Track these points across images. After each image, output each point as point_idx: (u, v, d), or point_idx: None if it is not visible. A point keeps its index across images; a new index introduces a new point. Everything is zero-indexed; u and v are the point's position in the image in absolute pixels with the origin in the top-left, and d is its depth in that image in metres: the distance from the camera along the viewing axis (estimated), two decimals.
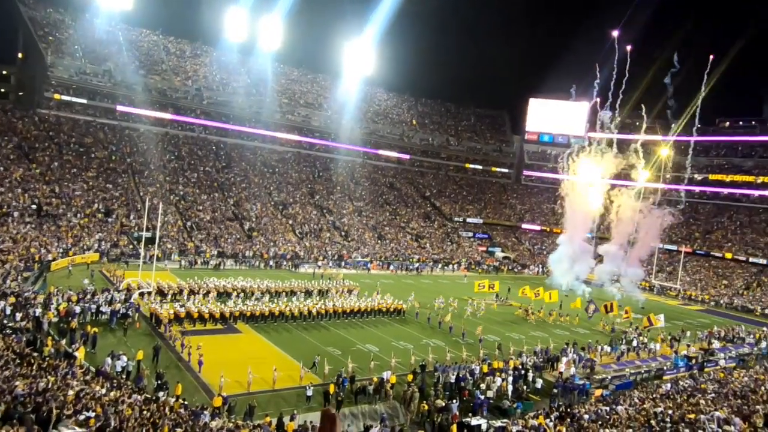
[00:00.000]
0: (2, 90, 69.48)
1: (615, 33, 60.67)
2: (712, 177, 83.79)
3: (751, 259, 69.54)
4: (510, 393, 24.93)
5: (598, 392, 26.10)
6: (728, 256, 71.53)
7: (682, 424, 16.95)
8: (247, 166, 72.41)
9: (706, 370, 32.54)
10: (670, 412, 18.95)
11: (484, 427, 20.15)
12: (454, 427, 19.90)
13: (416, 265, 64.72)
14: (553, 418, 19.45)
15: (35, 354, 18.84)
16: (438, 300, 42.41)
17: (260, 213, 63.99)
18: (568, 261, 61.30)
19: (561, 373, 27.91)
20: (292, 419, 19.00)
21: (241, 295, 36.87)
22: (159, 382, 20.74)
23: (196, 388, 22.35)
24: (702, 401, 20.44)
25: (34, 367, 16.10)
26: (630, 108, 65.48)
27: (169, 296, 34.98)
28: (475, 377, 25.83)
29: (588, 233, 64.72)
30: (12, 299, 26.31)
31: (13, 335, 20.82)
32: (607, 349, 34.16)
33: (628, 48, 60.65)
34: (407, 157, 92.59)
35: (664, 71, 61.53)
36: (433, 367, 26.69)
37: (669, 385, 26.52)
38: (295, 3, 78.73)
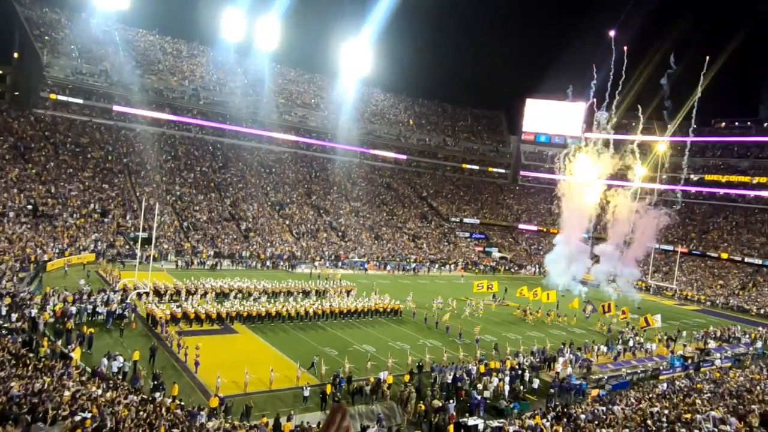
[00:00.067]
0: None
1: (612, 33, 60.94)
2: (708, 177, 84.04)
3: (746, 260, 69.78)
4: (507, 393, 24.98)
5: (594, 392, 26.16)
6: (724, 256, 71.77)
7: (679, 424, 17.00)
8: (243, 167, 72.31)
9: (702, 370, 32.66)
10: (666, 411, 19.01)
11: (481, 427, 20.18)
12: (451, 428, 19.94)
13: (413, 265, 64.72)
14: (549, 418, 19.48)
15: (31, 355, 18.80)
16: (437, 301, 42.41)
17: (257, 213, 63.92)
18: (564, 261, 61.37)
19: (558, 373, 27.96)
20: (289, 420, 18.98)
21: (239, 295, 36.84)
22: (155, 382, 20.71)
23: (192, 388, 22.32)
24: (698, 401, 20.51)
25: (30, 368, 16.06)
26: (623, 106, 65.61)
27: (167, 296, 34.93)
28: (472, 377, 25.86)
29: (584, 233, 64.85)
30: (8, 300, 26.23)
31: (9, 336, 20.76)
32: (604, 349, 34.25)
33: (625, 48, 60.92)
34: (404, 157, 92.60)
35: (660, 72, 61.84)
36: (430, 368, 26.73)
37: (665, 384, 26.62)
38: (292, 3, 78.80)
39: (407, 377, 24.64)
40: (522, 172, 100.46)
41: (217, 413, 19.14)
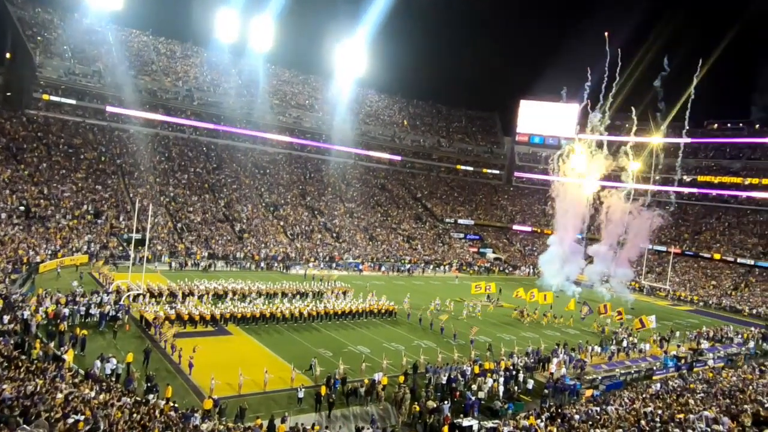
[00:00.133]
0: None
1: (606, 35, 61.25)
2: (700, 178, 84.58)
3: (739, 260, 70.25)
4: (501, 394, 25.01)
5: (588, 392, 26.23)
6: (717, 256, 72.23)
7: (672, 424, 17.08)
8: (237, 168, 72.15)
9: (695, 370, 32.83)
10: (659, 411, 19.09)
11: (475, 428, 20.21)
12: (446, 429, 19.95)
13: (408, 266, 64.75)
14: (544, 419, 19.52)
15: (23, 357, 18.65)
16: (435, 302, 42.35)
17: (251, 214, 63.77)
18: (558, 262, 61.64)
19: (552, 373, 28.04)
20: (283, 421, 18.93)
21: (237, 297, 36.71)
22: (149, 384, 20.61)
23: (186, 390, 22.23)
24: (691, 401, 20.61)
25: (22, 370, 15.93)
26: (616, 108, 65.94)
27: (164, 297, 34.76)
28: (466, 378, 25.90)
29: (578, 234, 65.10)
30: (0, 302, 26.03)
31: (1, 338, 20.58)
32: (598, 349, 34.38)
33: (619, 51, 61.23)
34: (399, 158, 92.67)
35: (654, 74, 62.20)
36: (424, 369, 26.73)
37: (659, 385, 26.72)
38: (287, 4, 78.78)
39: (402, 378, 24.63)
40: (516, 173, 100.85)
41: (211, 415, 19.06)
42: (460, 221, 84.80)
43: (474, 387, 24.67)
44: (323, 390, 22.16)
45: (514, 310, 44.67)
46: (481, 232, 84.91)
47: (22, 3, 67.35)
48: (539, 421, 19.17)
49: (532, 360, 30.03)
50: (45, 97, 62.71)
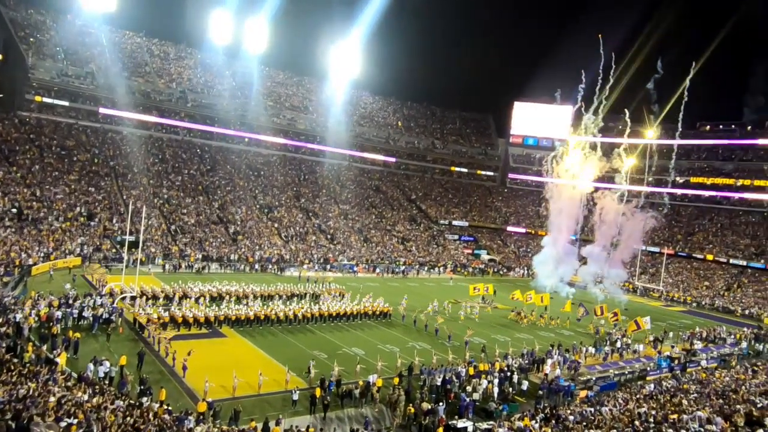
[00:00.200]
0: None
1: (600, 38, 61.51)
2: (693, 180, 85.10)
3: (731, 261, 70.70)
4: (496, 395, 25.04)
5: (582, 393, 26.28)
6: (709, 257, 72.67)
7: (665, 424, 17.15)
8: (232, 169, 71.96)
9: (688, 370, 32.96)
10: (653, 412, 19.16)
11: (470, 429, 20.24)
12: (441, 430, 19.95)
13: (402, 268, 64.75)
14: (538, 420, 19.56)
15: (15, 360, 18.53)
16: (432, 304, 42.26)
17: (245, 216, 63.62)
18: (552, 263, 61.83)
19: (546, 374, 28.10)
20: (277, 424, 18.90)
21: (233, 299, 36.57)
22: (142, 387, 20.51)
23: (180, 393, 22.13)
24: (684, 401, 20.68)
25: (15, 374, 15.83)
26: (610, 109, 66.27)
27: (161, 299, 34.58)
28: (461, 380, 25.90)
29: (572, 235, 65.33)
30: None
31: None
32: (592, 350, 34.49)
33: (612, 53, 61.54)
34: (393, 160, 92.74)
35: (647, 76, 62.50)
36: (419, 370, 26.73)
37: (652, 385, 26.79)
38: (281, 5, 78.58)
39: (396, 380, 24.61)
40: (510, 175, 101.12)
41: (205, 418, 19.00)
42: (455, 223, 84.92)
43: (469, 388, 24.69)
44: (318, 392, 22.10)
45: (511, 312, 44.75)
46: (476, 233, 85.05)
47: (14, 4, 67.02)
48: (534, 422, 19.20)
49: (526, 361, 30.10)
50: (37, 98, 62.41)
